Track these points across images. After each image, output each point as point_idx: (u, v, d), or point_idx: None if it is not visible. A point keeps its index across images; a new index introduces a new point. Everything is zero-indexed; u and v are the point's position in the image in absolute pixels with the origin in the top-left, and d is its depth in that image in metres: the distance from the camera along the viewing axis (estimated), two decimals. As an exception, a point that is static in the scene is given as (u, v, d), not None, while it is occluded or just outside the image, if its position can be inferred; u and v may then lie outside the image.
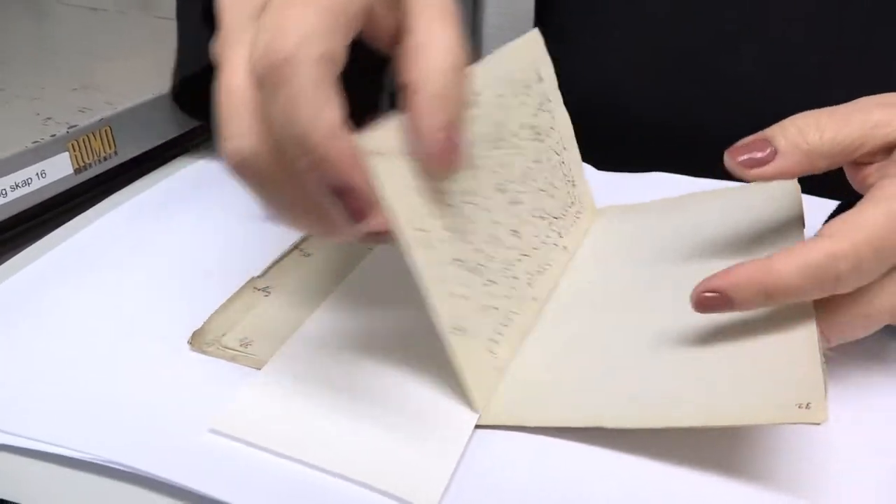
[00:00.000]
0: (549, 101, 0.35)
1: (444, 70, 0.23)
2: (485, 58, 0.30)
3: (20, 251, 0.35)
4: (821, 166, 0.28)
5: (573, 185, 0.36)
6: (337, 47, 0.22)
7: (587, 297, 0.31)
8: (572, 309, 0.30)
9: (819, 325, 0.25)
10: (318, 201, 0.22)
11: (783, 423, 0.23)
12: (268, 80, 0.21)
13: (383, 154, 0.23)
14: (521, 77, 0.33)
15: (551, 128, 0.35)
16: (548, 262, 0.32)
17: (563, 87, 0.49)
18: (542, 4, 0.56)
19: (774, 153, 0.28)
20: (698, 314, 0.26)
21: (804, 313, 0.26)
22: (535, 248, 0.31)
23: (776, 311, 0.26)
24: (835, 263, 0.24)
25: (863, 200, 0.26)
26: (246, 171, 0.23)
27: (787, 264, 0.24)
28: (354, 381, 0.27)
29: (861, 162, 0.28)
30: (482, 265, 0.27)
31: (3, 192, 0.36)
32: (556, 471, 0.24)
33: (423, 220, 0.25)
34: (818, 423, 0.22)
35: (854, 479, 0.24)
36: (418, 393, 0.27)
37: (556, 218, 0.34)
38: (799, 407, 0.22)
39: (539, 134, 0.34)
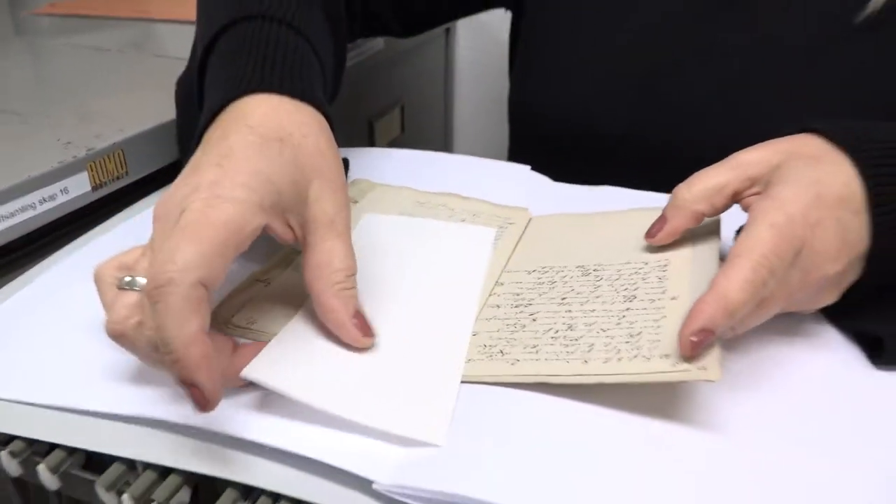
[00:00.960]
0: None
1: (340, 282, 0.31)
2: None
3: (48, 255, 0.40)
4: (704, 210, 0.36)
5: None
6: (213, 274, 0.28)
7: (525, 288, 0.38)
8: (515, 298, 0.37)
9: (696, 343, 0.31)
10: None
11: (690, 380, 0.30)
12: (151, 294, 0.27)
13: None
14: None
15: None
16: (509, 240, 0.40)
17: (536, 109, 0.56)
18: (515, 36, 0.64)
19: (664, 220, 0.37)
20: (617, 306, 0.33)
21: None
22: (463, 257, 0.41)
23: (679, 303, 0.33)
24: (760, 274, 0.30)
25: (747, 222, 0.32)
26: (120, 343, 0.29)
27: (731, 287, 0.30)
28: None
29: (744, 197, 0.35)
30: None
31: (33, 205, 0.41)
32: (519, 416, 0.30)
33: None
34: (713, 381, 0.28)
35: (744, 416, 0.31)
36: (410, 353, 0.32)
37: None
38: (699, 369, 0.29)
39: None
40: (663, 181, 0.40)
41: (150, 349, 0.28)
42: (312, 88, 0.36)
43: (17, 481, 0.33)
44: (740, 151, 0.36)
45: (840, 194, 0.33)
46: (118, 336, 0.29)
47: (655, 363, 0.30)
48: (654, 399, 0.31)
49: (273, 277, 0.38)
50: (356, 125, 0.78)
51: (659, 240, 0.37)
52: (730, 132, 0.37)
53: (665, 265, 0.37)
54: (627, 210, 0.43)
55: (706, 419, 0.30)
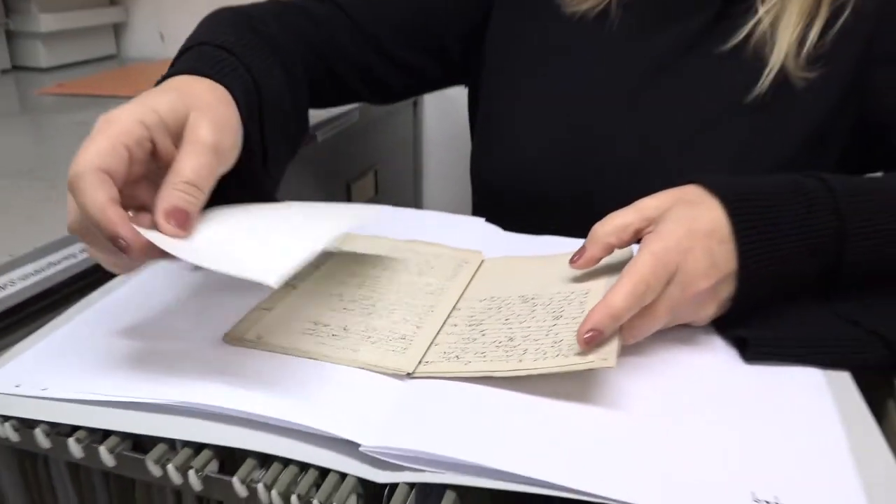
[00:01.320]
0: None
1: (176, 184, 0.41)
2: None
3: (98, 287, 0.49)
4: (614, 243, 0.47)
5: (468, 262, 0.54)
6: (109, 163, 0.39)
7: (477, 312, 0.47)
8: (469, 319, 0.47)
9: (621, 331, 0.41)
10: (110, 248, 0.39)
11: (595, 368, 0.39)
12: (70, 188, 0.39)
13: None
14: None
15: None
16: (447, 291, 0.49)
17: (489, 174, 0.68)
18: (472, 110, 0.75)
19: (584, 250, 0.47)
20: (547, 323, 0.43)
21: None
22: (434, 289, 0.49)
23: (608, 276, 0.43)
24: (639, 288, 0.40)
25: (637, 251, 0.43)
26: (76, 234, 0.42)
27: (616, 298, 0.40)
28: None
29: (644, 233, 0.46)
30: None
31: (74, 254, 0.50)
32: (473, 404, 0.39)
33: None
34: (611, 367, 0.38)
35: (637, 393, 0.40)
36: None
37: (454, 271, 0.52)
38: (601, 360, 0.39)
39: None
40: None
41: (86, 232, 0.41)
42: (225, 79, 0.48)
43: (70, 466, 0.41)
44: (643, 199, 0.47)
45: (709, 228, 0.43)
46: (73, 232, 0.42)
47: (571, 359, 0.39)
48: (571, 386, 0.40)
49: (274, 305, 0.47)
50: (336, 187, 0.88)
51: (579, 265, 0.47)
52: (645, 187, 0.48)
53: (586, 292, 0.47)
54: (560, 254, 0.53)
55: (608, 396, 0.40)
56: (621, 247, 0.47)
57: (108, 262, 0.43)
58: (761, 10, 0.60)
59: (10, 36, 1.11)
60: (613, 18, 0.66)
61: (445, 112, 1.17)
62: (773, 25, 0.59)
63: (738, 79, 0.61)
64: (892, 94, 0.58)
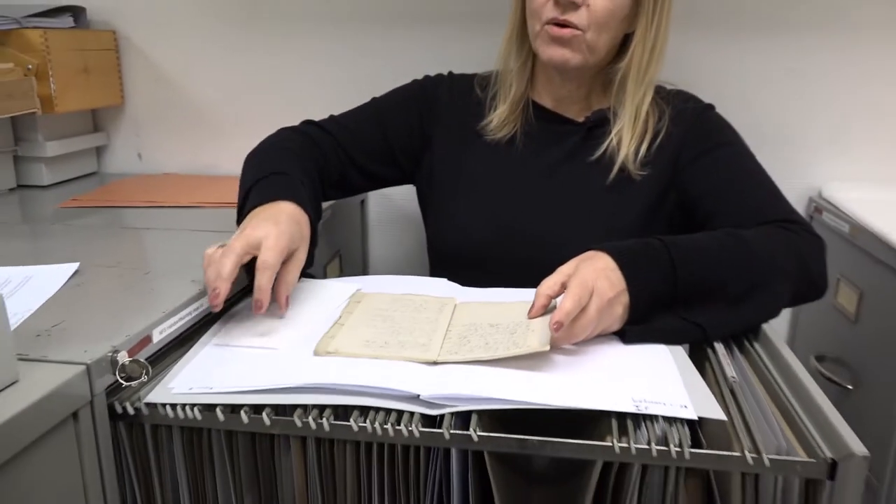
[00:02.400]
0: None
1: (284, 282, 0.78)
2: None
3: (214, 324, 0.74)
4: (552, 295, 0.75)
5: (446, 305, 0.83)
6: (250, 252, 0.76)
7: (468, 329, 0.76)
8: (458, 335, 0.75)
9: (559, 337, 0.71)
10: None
11: (538, 350, 0.68)
12: (224, 253, 0.75)
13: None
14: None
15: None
16: (442, 316, 0.77)
17: (446, 247, 0.98)
18: (424, 208, 1.06)
19: (535, 306, 0.76)
20: (507, 336, 0.72)
21: (544, 326, 0.73)
22: (434, 317, 0.77)
23: (532, 331, 0.73)
24: (577, 299, 0.70)
25: (569, 285, 0.73)
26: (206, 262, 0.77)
27: (566, 304, 0.70)
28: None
29: (566, 286, 0.76)
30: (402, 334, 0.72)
31: (189, 312, 0.75)
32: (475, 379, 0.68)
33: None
34: (547, 350, 0.67)
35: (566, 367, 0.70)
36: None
37: (438, 311, 0.80)
38: (541, 346, 0.68)
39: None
40: (524, 281, 0.81)
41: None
42: (305, 203, 0.82)
43: (226, 434, 0.65)
44: (562, 266, 0.77)
45: (605, 266, 0.75)
46: (207, 258, 0.76)
47: (524, 348, 0.68)
48: (524, 362, 0.69)
49: (335, 334, 0.74)
50: (316, 270, 1.15)
51: (534, 315, 0.76)
52: (548, 251, 0.79)
53: (528, 324, 0.75)
54: (511, 302, 0.82)
55: (545, 362, 0.69)
56: (555, 297, 0.76)
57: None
58: (611, 134, 0.95)
59: (16, 160, 1.32)
60: (518, 143, 1.00)
61: (384, 206, 1.46)
62: (619, 143, 0.95)
63: (599, 176, 0.95)
64: (695, 186, 0.94)
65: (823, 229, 1.26)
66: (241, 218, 0.85)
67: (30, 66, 1.22)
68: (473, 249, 0.98)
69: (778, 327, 1.37)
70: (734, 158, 0.94)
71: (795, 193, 1.33)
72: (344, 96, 1.39)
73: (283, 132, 1.03)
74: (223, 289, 0.72)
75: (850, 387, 1.11)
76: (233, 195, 0.92)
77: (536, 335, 0.71)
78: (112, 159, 1.50)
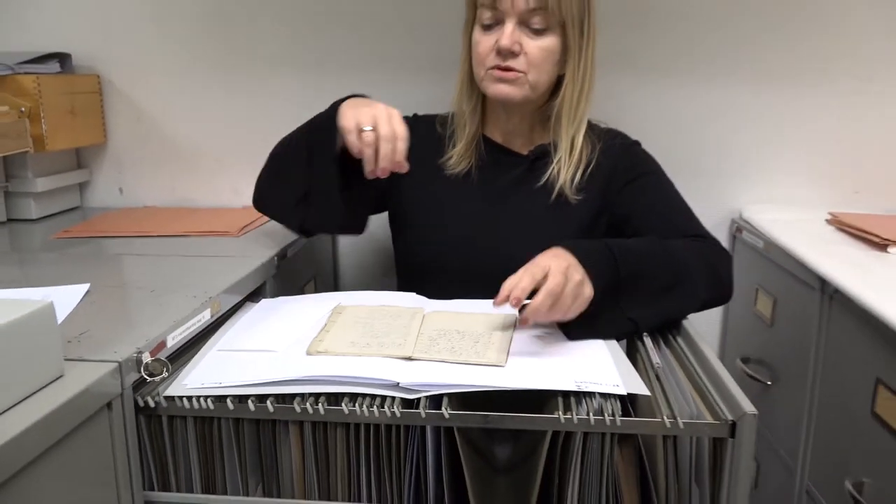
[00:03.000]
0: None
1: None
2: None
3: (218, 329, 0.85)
4: (514, 285, 0.90)
5: (417, 314, 0.96)
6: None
7: (437, 334, 0.89)
8: (428, 339, 0.88)
9: (532, 315, 0.85)
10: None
11: (493, 364, 0.81)
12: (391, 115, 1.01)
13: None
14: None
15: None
16: (414, 321, 0.90)
17: (414, 260, 1.11)
18: (394, 229, 1.19)
19: (512, 297, 0.88)
20: (471, 344, 0.85)
21: (506, 327, 0.86)
22: (406, 323, 0.90)
23: (494, 340, 0.86)
24: (558, 281, 0.84)
25: (550, 275, 0.87)
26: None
27: (551, 283, 0.85)
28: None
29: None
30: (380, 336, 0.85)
31: (199, 319, 0.86)
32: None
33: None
34: (503, 366, 0.80)
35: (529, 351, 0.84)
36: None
37: (410, 318, 0.93)
38: (498, 361, 0.81)
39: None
40: (481, 290, 0.94)
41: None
42: None
43: (234, 422, 0.76)
44: (532, 260, 0.91)
45: (570, 260, 0.89)
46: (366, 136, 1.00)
47: (483, 360, 0.81)
48: (484, 364, 0.82)
49: (323, 338, 0.86)
50: (295, 291, 1.26)
51: (498, 303, 0.87)
52: (501, 262, 0.93)
53: (490, 334, 0.89)
54: (475, 312, 0.96)
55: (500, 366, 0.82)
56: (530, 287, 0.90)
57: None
58: (552, 165, 1.10)
59: (7, 195, 1.41)
60: (473, 175, 1.15)
61: (353, 239, 1.59)
62: (559, 172, 1.10)
63: (542, 200, 1.11)
64: (623, 209, 1.10)
65: (743, 246, 1.44)
66: (325, 123, 1.08)
67: (23, 109, 1.32)
68: (437, 263, 1.12)
69: (710, 333, 1.54)
70: (657, 185, 1.11)
71: (720, 216, 1.50)
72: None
73: None
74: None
75: (769, 383, 1.27)
76: (210, 225, 1.04)
77: (495, 349, 0.84)
78: (94, 194, 1.60)
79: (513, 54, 1.05)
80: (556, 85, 1.11)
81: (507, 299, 0.85)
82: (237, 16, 1.50)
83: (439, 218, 1.14)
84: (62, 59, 1.48)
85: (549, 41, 1.05)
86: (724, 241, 1.50)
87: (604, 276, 0.91)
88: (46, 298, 0.67)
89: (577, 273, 0.88)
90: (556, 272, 0.86)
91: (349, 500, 0.77)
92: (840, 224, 1.32)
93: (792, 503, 1.17)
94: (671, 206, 1.10)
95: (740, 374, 1.36)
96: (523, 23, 1.05)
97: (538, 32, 1.05)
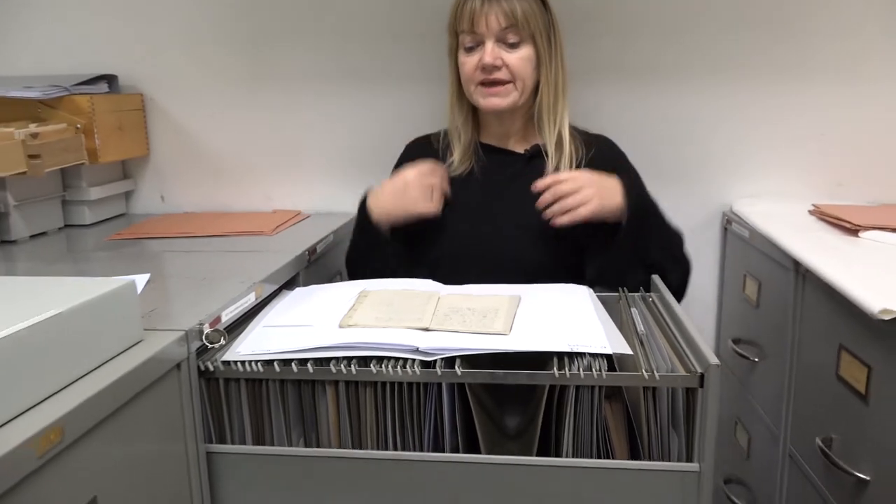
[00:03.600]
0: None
1: None
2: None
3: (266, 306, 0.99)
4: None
5: (433, 296, 1.10)
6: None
7: (450, 311, 1.03)
8: (443, 315, 1.02)
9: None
10: None
11: (499, 332, 0.95)
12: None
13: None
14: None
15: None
16: (430, 301, 1.04)
17: (429, 244, 1.26)
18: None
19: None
20: (479, 318, 1.00)
21: (511, 304, 1.00)
22: (424, 303, 1.03)
23: (500, 315, 1.00)
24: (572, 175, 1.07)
25: None
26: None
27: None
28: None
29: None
30: (401, 312, 0.99)
31: (248, 299, 1.00)
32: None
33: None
34: (507, 334, 0.94)
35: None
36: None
37: (427, 299, 1.07)
38: (505, 329, 0.95)
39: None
40: (488, 273, 1.09)
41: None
42: None
43: (285, 383, 0.90)
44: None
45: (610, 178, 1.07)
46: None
47: (489, 329, 0.95)
48: (494, 331, 0.95)
49: (353, 314, 1.00)
50: (324, 282, 1.40)
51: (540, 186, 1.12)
52: (505, 246, 1.07)
53: (497, 308, 1.02)
54: (483, 295, 1.09)
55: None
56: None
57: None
58: (547, 160, 1.25)
59: (63, 203, 1.57)
60: (476, 174, 1.30)
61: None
62: (557, 168, 1.25)
63: (538, 193, 1.24)
64: None
65: (733, 236, 1.56)
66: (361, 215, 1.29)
67: (78, 126, 1.48)
68: (450, 250, 1.27)
69: (707, 316, 1.66)
70: (632, 181, 1.27)
71: (712, 209, 1.63)
72: (337, 144, 1.68)
73: None
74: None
75: (756, 360, 1.39)
76: (247, 226, 1.20)
77: (501, 321, 0.97)
78: (138, 202, 1.76)
79: (496, 68, 1.24)
80: (536, 90, 1.29)
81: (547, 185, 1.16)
82: (264, 37, 1.65)
83: (448, 212, 1.29)
84: (110, 80, 1.64)
85: (525, 51, 1.25)
86: (716, 232, 1.63)
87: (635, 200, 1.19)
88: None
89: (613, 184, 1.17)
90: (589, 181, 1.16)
91: (377, 448, 0.91)
92: (821, 214, 1.43)
93: (777, 468, 1.29)
94: None
95: (731, 354, 1.48)
96: (500, 40, 1.24)
97: (514, 46, 1.24)
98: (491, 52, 1.23)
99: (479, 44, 1.25)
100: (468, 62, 1.26)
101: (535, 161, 1.30)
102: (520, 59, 1.24)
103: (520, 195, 1.26)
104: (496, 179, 1.31)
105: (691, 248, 1.63)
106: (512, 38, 1.24)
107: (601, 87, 1.58)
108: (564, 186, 1.16)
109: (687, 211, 1.63)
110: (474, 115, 1.35)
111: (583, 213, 1.15)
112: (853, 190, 1.60)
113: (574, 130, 1.33)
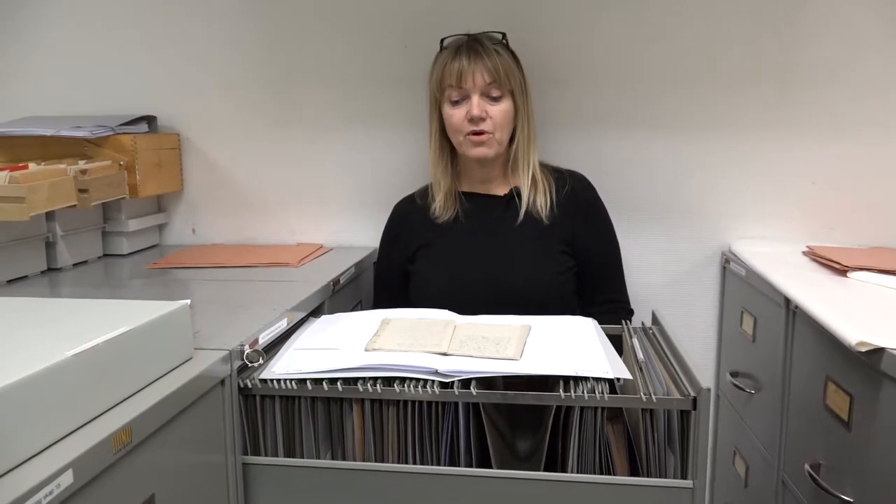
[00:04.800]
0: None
1: None
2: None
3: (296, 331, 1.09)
4: None
5: (450, 324, 1.19)
6: None
7: (466, 338, 1.12)
8: (460, 342, 1.11)
9: None
10: None
11: (510, 357, 1.04)
12: None
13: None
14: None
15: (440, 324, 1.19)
16: (448, 329, 1.13)
17: (419, 293, 1.37)
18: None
19: None
20: (493, 345, 1.09)
21: (522, 333, 1.10)
22: (441, 330, 1.13)
23: (511, 343, 1.09)
24: None
25: None
26: None
27: None
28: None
29: None
30: (421, 339, 1.09)
31: (280, 325, 1.10)
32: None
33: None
34: (517, 360, 1.03)
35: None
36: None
37: (444, 327, 1.16)
38: (516, 355, 1.04)
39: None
40: (481, 310, 1.19)
41: None
42: None
43: (314, 400, 0.99)
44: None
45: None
46: None
47: (502, 355, 1.04)
48: (506, 357, 1.05)
49: (377, 339, 1.09)
50: (345, 311, 1.50)
51: None
52: (495, 287, 1.18)
53: (510, 337, 1.12)
54: (497, 325, 1.19)
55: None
56: None
57: None
58: (524, 200, 1.41)
59: (103, 234, 1.68)
60: (461, 218, 1.46)
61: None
62: (531, 204, 1.41)
63: (523, 226, 1.38)
64: (579, 238, 1.41)
65: (731, 274, 1.65)
66: None
67: (121, 163, 1.60)
68: (441, 295, 1.38)
69: (707, 350, 1.75)
70: (605, 235, 1.51)
71: (712, 249, 1.73)
72: (358, 181, 1.79)
73: None
74: None
75: (752, 392, 1.47)
76: (273, 258, 1.43)
77: (513, 347, 1.06)
78: (171, 234, 1.87)
79: (482, 119, 1.39)
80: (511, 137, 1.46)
81: None
82: (292, 81, 1.78)
83: (438, 258, 1.44)
84: (149, 120, 1.77)
85: (506, 105, 1.41)
86: (716, 271, 1.72)
87: None
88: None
89: None
90: None
91: (399, 462, 0.99)
92: (813, 255, 1.53)
93: (772, 494, 1.36)
94: (609, 261, 1.51)
95: (729, 387, 1.56)
96: (484, 94, 1.40)
97: (496, 100, 1.41)
98: (478, 105, 1.38)
99: (464, 98, 1.40)
100: (456, 114, 1.41)
101: (513, 203, 1.46)
102: (502, 111, 1.41)
103: (506, 233, 1.42)
104: (483, 221, 1.46)
105: (692, 284, 1.74)
106: (495, 93, 1.40)
107: (612, 136, 1.70)
108: None
109: (690, 250, 1.73)
110: (452, 164, 1.51)
111: None
112: (845, 233, 1.69)
113: (546, 168, 1.50)
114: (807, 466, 1.15)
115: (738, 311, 1.58)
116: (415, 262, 1.49)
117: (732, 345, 1.65)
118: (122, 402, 0.76)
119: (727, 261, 1.67)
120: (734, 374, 1.56)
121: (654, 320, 1.26)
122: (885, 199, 1.66)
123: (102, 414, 0.72)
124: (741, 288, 1.57)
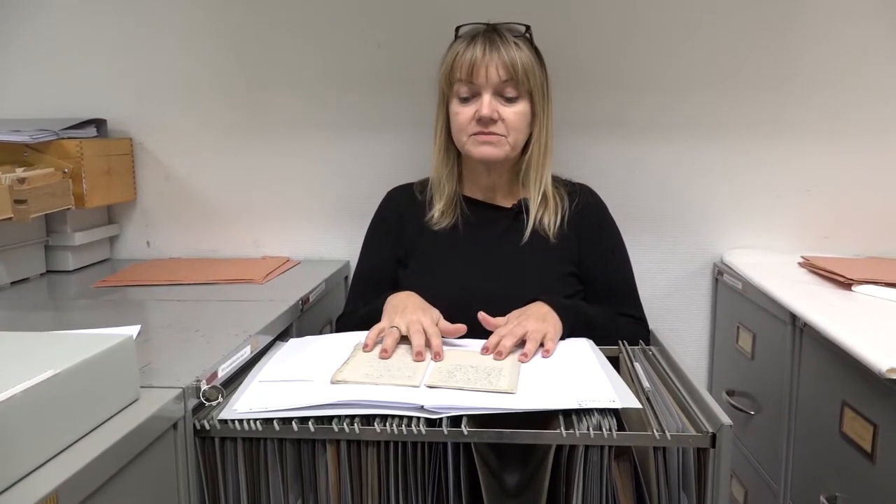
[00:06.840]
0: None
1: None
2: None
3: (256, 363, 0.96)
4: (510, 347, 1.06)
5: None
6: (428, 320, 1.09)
7: (454, 368, 1.01)
8: (448, 367, 1.00)
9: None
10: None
11: (505, 391, 0.92)
12: (411, 326, 1.04)
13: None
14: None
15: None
16: (420, 364, 1.02)
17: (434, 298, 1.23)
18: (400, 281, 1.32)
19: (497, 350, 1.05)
20: (484, 376, 0.98)
21: (514, 361, 0.99)
22: (415, 363, 1.02)
23: (504, 372, 0.98)
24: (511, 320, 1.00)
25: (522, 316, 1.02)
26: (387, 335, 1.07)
27: (528, 346, 1.02)
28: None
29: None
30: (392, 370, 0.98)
31: (242, 354, 0.97)
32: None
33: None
34: (514, 392, 0.92)
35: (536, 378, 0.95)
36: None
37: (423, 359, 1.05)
38: (510, 388, 0.93)
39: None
40: (477, 331, 1.08)
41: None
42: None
43: (246, 442, 0.86)
44: (511, 312, 1.06)
45: (544, 309, 1.03)
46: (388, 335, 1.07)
47: (495, 388, 0.93)
48: (497, 391, 0.93)
49: (343, 370, 0.97)
50: (314, 333, 1.37)
51: (495, 355, 1.04)
52: (492, 300, 1.07)
53: (501, 367, 1.00)
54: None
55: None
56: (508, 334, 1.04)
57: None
58: (532, 215, 1.27)
59: (46, 248, 1.52)
60: (460, 228, 1.30)
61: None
62: (539, 223, 1.26)
63: (528, 245, 1.25)
64: (586, 258, 1.28)
65: (724, 288, 1.56)
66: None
67: (66, 170, 1.45)
68: (441, 305, 1.21)
69: (699, 368, 1.66)
70: (616, 253, 1.34)
71: (703, 261, 1.64)
72: (325, 190, 1.67)
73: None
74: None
75: (752, 413, 1.38)
76: (236, 273, 1.23)
77: (506, 379, 0.95)
78: (123, 247, 1.72)
79: (492, 121, 1.22)
80: (525, 145, 1.28)
81: (489, 350, 1.05)
82: (254, 85, 1.65)
83: (433, 270, 1.29)
84: (98, 124, 1.62)
85: (522, 107, 1.23)
86: (707, 283, 1.63)
87: (568, 324, 1.13)
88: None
89: (547, 310, 1.11)
90: (535, 331, 1.06)
91: (380, 511, 0.88)
92: (811, 266, 1.45)
93: (777, 523, 1.27)
94: (621, 279, 1.32)
95: (726, 406, 1.47)
96: (497, 93, 1.22)
97: (511, 100, 1.23)
98: (489, 104, 1.20)
99: (475, 95, 1.23)
100: (463, 112, 1.24)
101: (520, 216, 1.29)
102: (516, 113, 1.23)
103: (513, 251, 1.27)
104: (485, 235, 1.30)
105: (682, 297, 1.65)
106: (510, 93, 1.22)
107: (600, 141, 1.60)
108: (518, 330, 1.07)
109: (679, 261, 1.64)
110: (458, 166, 1.34)
111: (551, 346, 1.06)
112: (838, 243, 1.62)
113: (557, 181, 1.33)
114: (822, 499, 1.06)
115: (734, 327, 1.49)
116: (404, 266, 1.34)
117: (727, 362, 1.57)
118: (47, 461, 0.62)
119: (720, 272, 1.58)
120: (730, 393, 1.47)
121: (653, 340, 1.16)
122: (879, 208, 1.60)
123: (21, 479, 0.59)
124: (737, 302, 1.48)
